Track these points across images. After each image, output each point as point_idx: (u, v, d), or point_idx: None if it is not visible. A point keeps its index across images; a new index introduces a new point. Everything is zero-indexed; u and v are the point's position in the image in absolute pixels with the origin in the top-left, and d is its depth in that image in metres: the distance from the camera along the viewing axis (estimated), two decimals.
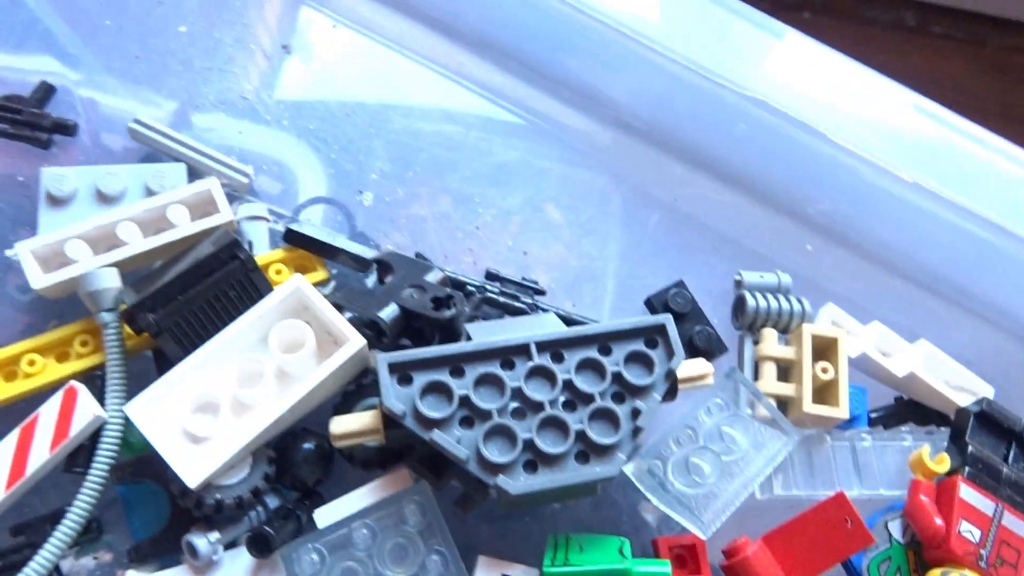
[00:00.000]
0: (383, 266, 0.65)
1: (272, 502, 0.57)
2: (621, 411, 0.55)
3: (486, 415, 0.54)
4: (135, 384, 0.57)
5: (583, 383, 0.55)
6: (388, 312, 0.60)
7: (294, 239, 0.65)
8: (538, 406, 0.55)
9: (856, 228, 0.73)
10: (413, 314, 0.60)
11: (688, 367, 0.59)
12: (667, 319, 0.58)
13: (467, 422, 0.54)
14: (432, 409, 0.54)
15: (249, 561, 0.55)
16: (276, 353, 0.56)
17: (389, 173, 0.73)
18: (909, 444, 0.64)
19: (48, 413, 0.57)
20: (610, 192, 0.74)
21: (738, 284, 0.69)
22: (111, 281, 0.59)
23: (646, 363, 0.57)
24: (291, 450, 0.58)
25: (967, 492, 0.58)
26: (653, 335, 0.57)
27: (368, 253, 0.65)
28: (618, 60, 0.75)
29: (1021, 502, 0.60)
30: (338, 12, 0.78)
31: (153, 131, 0.68)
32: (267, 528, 0.54)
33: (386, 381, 0.54)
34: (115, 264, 0.60)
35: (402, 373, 0.55)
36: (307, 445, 0.59)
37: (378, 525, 0.55)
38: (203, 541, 0.54)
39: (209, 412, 0.56)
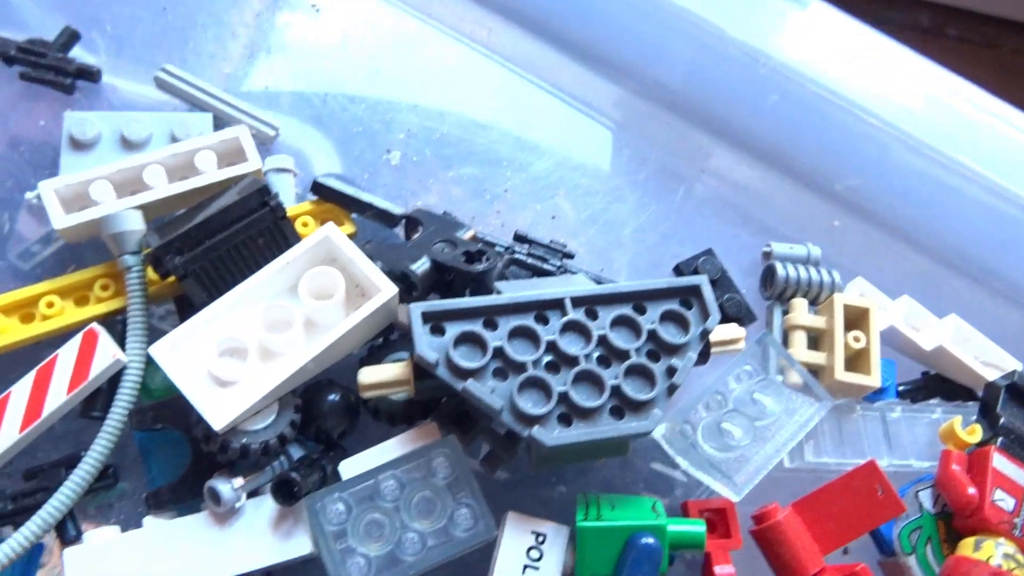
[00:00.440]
0: (411, 222, 0.64)
1: (296, 452, 0.56)
2: (657, 368, 0.54)
3: (520, 367, 0.53)
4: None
5: (618, 339, 0.54)
6: (420, 264, 0.59)
7: (322, 191, 0.64)
8: (572, 360, 0.54)
9: (884, 205, 0.73)
10: (445, 268, 0.59)
11: (721, 331, 0.59)
12: (703, 279, 0.57)
13: (500, 373, 0.53)
14: (465, 359, 0.52)
15: (271, 511, 0.54)
16: (306, 300, 0.55)
17: (417, 133, 0.72)
18: (938, 416, 0.63)
19: (67, 355, 0.56)
20: (638, 162, 0.73)
21: (767, 255, 0.68)
22: (136, 223, 0.58)
23: (681, 322, 0.56)
24: (316, 401, 0.57)
25: (1000, 462, 0.57)
26: (688, 296, 0.57)
27: (397, 209, 0.64)
28: (650, 30, 0.75)
29: None
30: None
31: (180, 80, 0.67)
32: (293, 474, 0.52)
33: (419, 330, 0.53)
34: (140, 208, 0.59)
35: (435, 323, 0.53)
36: (333, 396, 0.57)
37: (406, 477, 0.53)
38: (227, 487, 0.52)
39: (236, 357, 0.54)
